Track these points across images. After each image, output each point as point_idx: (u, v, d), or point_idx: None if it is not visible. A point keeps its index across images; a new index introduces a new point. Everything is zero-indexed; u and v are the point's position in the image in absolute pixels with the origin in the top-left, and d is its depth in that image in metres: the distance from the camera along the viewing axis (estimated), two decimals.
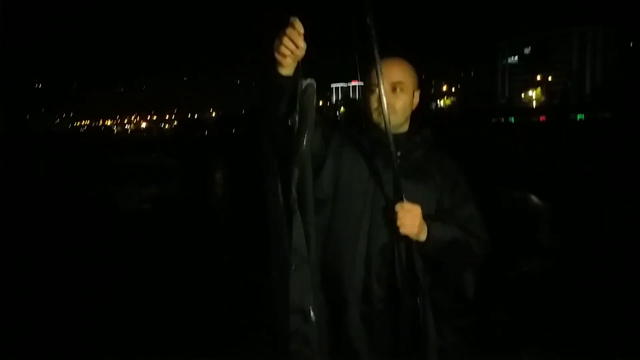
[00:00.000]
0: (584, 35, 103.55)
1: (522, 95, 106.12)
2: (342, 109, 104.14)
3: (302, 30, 1.29)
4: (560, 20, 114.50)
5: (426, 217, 1.53)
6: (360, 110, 1.75)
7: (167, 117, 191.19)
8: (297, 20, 1.30)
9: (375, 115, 1.62)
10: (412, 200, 1.51)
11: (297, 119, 1.36)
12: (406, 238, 1.51)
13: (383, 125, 1.52)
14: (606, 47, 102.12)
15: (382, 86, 1.50)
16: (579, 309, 4.72)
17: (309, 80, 1.37)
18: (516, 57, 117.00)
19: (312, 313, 1.41)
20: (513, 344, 3.99)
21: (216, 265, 6.51)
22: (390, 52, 1.65)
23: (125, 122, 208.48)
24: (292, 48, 1.28)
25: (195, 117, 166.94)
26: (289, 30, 1.28)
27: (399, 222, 1.48)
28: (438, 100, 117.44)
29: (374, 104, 1.61)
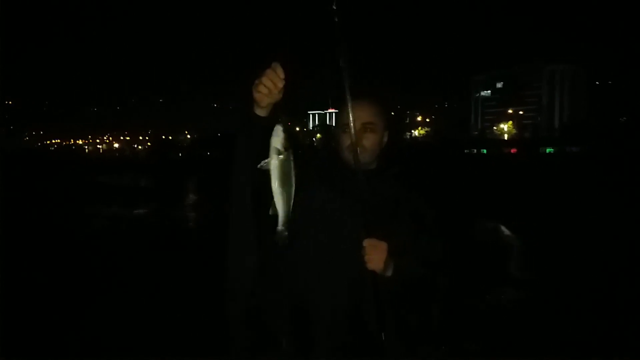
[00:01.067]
0: (553, 73, 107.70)
1: (495, 127, 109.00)
2: (318, 135, 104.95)
3: (282, 75, 1.38)
4: (531, 58, 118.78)
5: (392, 252, 1.55)
6: (333, 138, 1.80)
7: (140, 138, 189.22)
8: (279, 65, 1.39)
9: (347, 153, 1.67)
10: (380, 235, 1.54)
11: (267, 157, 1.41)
12: (373, 273, 1.53)
13: (353, 162, 1.58)
14: (574, 85, 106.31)
15: (352, 126, 1.57)
16: (549, 339, 4.74)
17: (279, 126, 1.42)
18: (489, 91, 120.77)
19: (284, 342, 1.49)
20: None
21: (188, 285, 6.39)
22: (365, 87, 1.72)
23: (98, 141, 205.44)
24: (270, 87, 1.37)
25: (170, 138, 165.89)
26: (270, 72, 1.37)
27: (366, 258, 1.51)
28: (412, 130, 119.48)
29: (346, 143, 1.66)
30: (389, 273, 1.55)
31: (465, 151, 62.19)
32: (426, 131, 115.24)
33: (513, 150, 61.04)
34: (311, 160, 1.77)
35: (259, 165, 1.40)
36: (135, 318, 4.96)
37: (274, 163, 1.40)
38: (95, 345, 4.25)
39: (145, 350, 4.06)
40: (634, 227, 11.50)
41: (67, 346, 4.22)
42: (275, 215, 1.43)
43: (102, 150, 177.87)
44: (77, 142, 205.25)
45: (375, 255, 1.51)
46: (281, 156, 1.40)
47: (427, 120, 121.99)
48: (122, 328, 4.67)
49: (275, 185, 1.41)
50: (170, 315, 5.03)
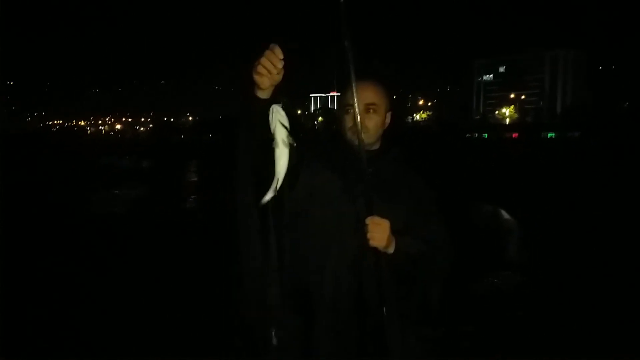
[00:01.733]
0: (555, 58, 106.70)
1: (496, 112, 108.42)
2: (320, 118, 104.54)
3: (281, 56, 1.39)
4: (534, 43, 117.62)
5: (394, 231, 1.58)
6: (336, 120, 1.83)
7: (142, 120, 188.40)
8: (277, 46, 1.40)
9: (349, 134, 1.69)
10: (382, 214, 1.56)
11: (270, 137, 1.43)
12: (375, 250, 1.56)
13: (356, 142, 1.59)
14: (576, 70, 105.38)
15: (357, 107, 1.58)
16: (546, 322, 4.80)
17: (276, 105, 1.45)
18: (491, 76, 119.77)
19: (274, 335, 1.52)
20: (479, 355, 4.05)
21: (193, 267, 6.45)
22: (369, 69, 1.72)
23: (100, 123, 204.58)
24: (270, 68, 1.38)
25: (172, 121, 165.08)
26: (269, 53, 1.38)
27: (369, 235, 1.54)
28: (414, 114, 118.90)
29: (349, 124, 1.69)
30: (391, 250, 1.58)
31: (467, 135, 61.93)
32: (428, 115, 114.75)
33: (514, 135, 60.81)
34: (313, 141, 1.80)
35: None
36: (136, 314, 4.86)
37: (277, 141, 1.42)
38: (95, 345, 4.19)
39: (145, 350, 4.00)
40: (631, 212, 11.56)
41: (67, 346, 4.16)
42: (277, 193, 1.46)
43: (104, 131, 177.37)
44: (79, 123, 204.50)
45: (378, 233, 1.54)
46: (277, 135, 1.42)
47: (429, 104, 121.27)
48: (123, 324, 4.59)
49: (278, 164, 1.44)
50: (173, 310, 4.93)
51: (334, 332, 1.61)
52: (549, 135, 57.89)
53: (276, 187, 1.45)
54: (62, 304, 5.18)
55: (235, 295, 1.67)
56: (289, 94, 1.49)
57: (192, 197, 16.19)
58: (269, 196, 1.45)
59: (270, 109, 1.44)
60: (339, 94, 1.84)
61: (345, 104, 1.68)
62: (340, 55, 1.52)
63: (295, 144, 1.45)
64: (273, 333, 1.55)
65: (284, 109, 1.44)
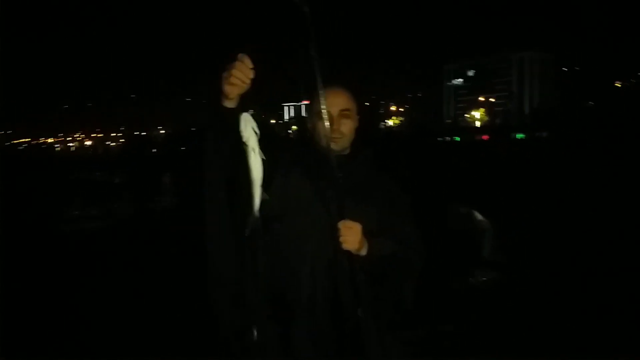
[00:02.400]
0: (522, 60, 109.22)
1: (467, 115, 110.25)
2: (294, 127, 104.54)
3: (251, 66, 1.43)
4: (501, 46, 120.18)
5: (367, 233, 1.60)
6: (307, 127, 1.85)
7: (113, 135, 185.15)
8: (246, 56, 1.43)
9: (322, 139, 1.70)
10: (354, 217, 1.59)
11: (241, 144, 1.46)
12: (348, 253, 1.58)
13: (329, 147, 1.62)
14: (542, 72, 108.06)
15: (330, 112, 1.62)
16: (521, 318, 4.89)
17: (247, 114, 1.47)
18: (461, 80, 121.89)
19: (255, 332, 1.53)
20: (459, 354, 4.11)
21: (167, 280, 6.39)
22: (336, 76, 1.77)
23: (69, 139, 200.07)
24: (241, 78, 1.41)
25: (144, 134, 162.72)
26: (239, 64, 1.42)
27: (341, 238, 1.56)
28: (387, 120, 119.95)
29: (322, 129, 1.69)
30: (364, 253, 1.60)
31: (439, 139, 62.78)
32: (400, 120, 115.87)
33: (485, 137, 61.90)
34: (285, 147, 1.82)
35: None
36: (133, 317, 4.94)
37: (246, 150, 1.45)
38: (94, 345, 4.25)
39: (142, 351, 4.05)
40: (600, 208, 11.90)
41: (66, 346, 4.21)
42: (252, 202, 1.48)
43: (75, 148, 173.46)
44: (47, 140, 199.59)
45: (350, 236, 1.56)
46: (251, 142, 1.45)
47: (401, 109, 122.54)
48: (120, 327, 4.66)
49: (245, 172, 1.46)
50: (168, 313, 5.02)
51: (312, 335, 1.63)
52: (518, 136, 59.14)
53: (257, 193, 1.48)
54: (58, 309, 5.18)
55: (210, 302, 1.68)
56: (262, 103, 1.51)
57: (166, 199, 16.00)
58: (257, 203, 1.48)
59: (242, 117, 1.45)
60: (307, 102, 1.84)
61: (318, 111, 1.68)
62: (308, 64, 1.55)
63: (267, 151, 1.47)
64: (251, 337, 1.56)
65: (254, 117, 1.46)
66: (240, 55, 1.43)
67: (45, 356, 3.96)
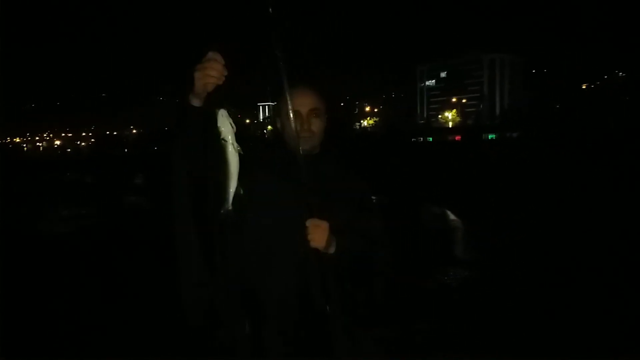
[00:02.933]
0: (492, 62, 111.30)
1: (439, 116, 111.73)
2: (269, 127, 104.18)
3: (222, 62, 1.45)
4: (472, 47, 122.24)
5: (335, 230, 1.62)
6: (275, 127, 1.87)
7: (83, 135, 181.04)
8: (217, 53, 1.45)
9: (291, 138, 1.71)
10: (321, 215, 1.61)
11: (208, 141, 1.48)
12: (317, 251, 1.60)
13: (296, 146, 1.64)
14: (512, 73, 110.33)
15: (298, 112, 1.65)
16: (494, 316, 4.96)
17: (223, 109, 1.49)
18: (433, 81, 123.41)
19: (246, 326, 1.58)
20: (432, 351, 4.16)
21: (140, 281, 6.32)
22: (313, 76, 1.78)
23: (37, 139, 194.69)
24: (214, 75, 1.44)
25: (115, 134, 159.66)
26: (211, 61, 1.44)
27: (309, 237, 1.58)
28: (362, 121, 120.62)
29: (294, 130, 1.69)
30: (332, 250, 1.62)
31: (412, 139, 63.42)
32: (375, 121, 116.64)
33: (457, 138, 62.78)
34: (253, 147, 1.81)
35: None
36: (131, 318, 4.90)
37: (220, 145, 1.46)
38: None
39: (142, 351, 4.04)
40: (570, 205, 12.23)
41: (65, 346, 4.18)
42: (221, 199, 1.49)
43: (42, 148, 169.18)
44: (15, 140, 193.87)
45: (318, 234, 1.58)
46: (227, 138, 1.46)
47: (376, 110, 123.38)
48: (118, 328, 4.63)
49: (223, 167, 1.47)
50: (142, 314, 4.99)
51: (282, 333, 1.64)
52: (490, 136, 60.17)
53: (233, 190, 1.50)
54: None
55: (180, 301, 1.68)
56: (235, 102, 1.52)
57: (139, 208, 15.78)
58: (230, 199, 1.49)
59: (219, 114, 1.46)
60: (274, 103, 1.87)
61: (286, 110, 1.69)
62: (274, 64, 1.56)
63: (242, 148, 1.49)
64: (221, 336, 1.57)
65: (227, 113, 1.47)
66: (211, 53, 1.45)
67: (45, 356, 3.95)
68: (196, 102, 1.51)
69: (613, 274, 6.24)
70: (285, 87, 1.61)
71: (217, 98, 1.49)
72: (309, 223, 1.59)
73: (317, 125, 1.77)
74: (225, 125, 1.46)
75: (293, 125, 1.68)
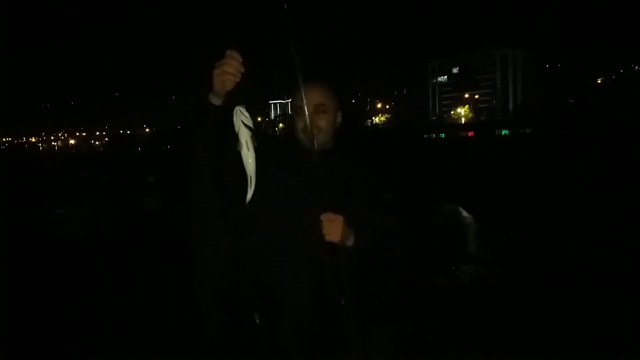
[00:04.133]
0: (505, 57, 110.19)
1: (452, 112, 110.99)
2: (280, 124, 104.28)
3: (240, 60, 1.48)
4: (484, 43, 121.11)
5: (350, 224, 1.64)
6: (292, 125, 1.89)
7: (97, 134, 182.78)
8: (235, 51, 1.48)
9: (302, 134, 1.76)
10: (336, 210, 1.62)
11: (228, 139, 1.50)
12: (331, 245, 1.62)
13: (309, 142, 1.66)
14: (525, 68, 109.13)
15: (306, 108, 1.66)
16: (507, 313, 4.94)
17: (240, 107, 1.52)
18: (445, 77, 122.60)
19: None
20: (444, 349, 4.16)
21: (154, 280, 6.38)
22: (313, 73, 1.81)
23: (52, 138, 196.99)
24: (233, 73, 1.47)
25: (128, 133, 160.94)
26: (229, 59, 1.47)
27: (324, 231, 1.60)
28: (373, 117, 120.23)
29: (301, 124, 1.74)
30: (350, 243, 1.64)
31: (425, 136, 63.08)
32: (386, 118, 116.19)
33: (470, 134, 62.32)
34: (268, 143, 1.83)
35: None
36: (133, 317, 4.93)
37: (237, 143, 1.49)
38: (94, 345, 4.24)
39: (142, 350, 4.06)
40: (583, 203, 12.10)
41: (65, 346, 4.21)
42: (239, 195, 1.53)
43: (57, 147, 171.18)
44: (30, 139, 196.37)
45: (332, 228, 1.60)
46: (244, 137, 1.49)
47: (387, 107, 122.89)
48: (119, 327, 4.65)
49: (240, 164, 1.50)
50: (156, 313, 5.00)
51: (298, 328, 1.66)
52: (503, 132, 59.62)
53: (250, 186, 1.52)
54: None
55: (196, 299, 1.70)
56: (250, 100, 1.55)
57: (155, 207, 15.90)
58: (249, 195, 1.52)
59: (235, 110, 1.49)
60: (286, 100, 1.90)
61: (296, 107, 1.75)
62: (287, 61, 1.58)
63: (257, 145, 1.52)
64: (244, 329, 1.60)
65: (246, 109, 1.49)
66: (229, 51, 1.47)
67: (45, 356, 3.96)
68: (215, 101, 1.54)
69: (629, 271, 6.17)
70: (297, 84, 1.64)
71: (235, 96, 1.52)
72: (324, 217, 1.60)
73: (324, 121, 1.78)
74: (246, 122, 1.49)
75: (301, 120, 1.71)
